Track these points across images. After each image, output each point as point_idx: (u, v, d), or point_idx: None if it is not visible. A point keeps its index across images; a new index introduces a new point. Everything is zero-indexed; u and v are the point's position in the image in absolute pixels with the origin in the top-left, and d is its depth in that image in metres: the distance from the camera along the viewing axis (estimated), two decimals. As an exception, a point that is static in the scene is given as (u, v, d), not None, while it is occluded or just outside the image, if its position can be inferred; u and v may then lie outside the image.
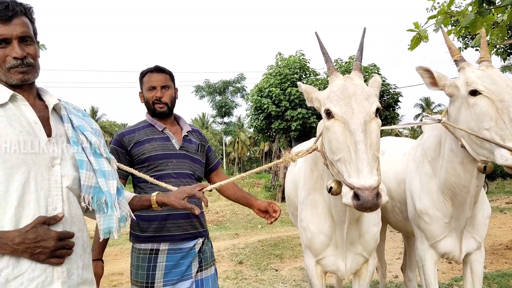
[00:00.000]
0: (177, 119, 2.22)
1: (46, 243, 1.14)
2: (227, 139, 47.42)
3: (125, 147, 2.02)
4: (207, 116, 48.85)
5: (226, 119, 41.52)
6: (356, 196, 1.37)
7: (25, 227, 1.14)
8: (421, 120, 2.25)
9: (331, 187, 1.60)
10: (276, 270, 5.45)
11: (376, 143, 1.49)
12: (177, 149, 2.07)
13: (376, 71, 16.43)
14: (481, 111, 1.76)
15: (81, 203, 1.29)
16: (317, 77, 16.39)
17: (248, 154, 50.78)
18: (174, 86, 2.17)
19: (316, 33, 1.80)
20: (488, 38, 3.91)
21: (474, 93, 1.79)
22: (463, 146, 1.89)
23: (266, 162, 42.36)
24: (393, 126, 2.85)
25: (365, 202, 1.34)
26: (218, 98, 37.51)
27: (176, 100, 2.18)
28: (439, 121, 2.03)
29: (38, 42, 1.37)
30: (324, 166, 1.80)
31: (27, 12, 1.31)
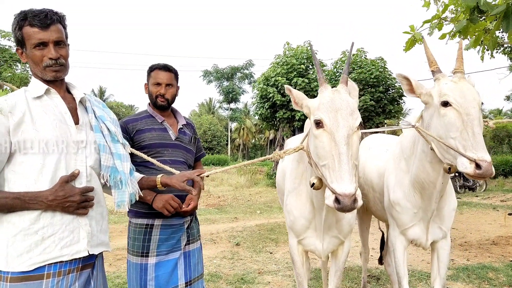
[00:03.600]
0: (174, 112, 2.49)
1: (73, 198, 1.44)
2: (233, 125, 47.64)
3: (128, 133, 2.28)
4: (214, 101, 48.97)
5: (232, 105, 41.59)
6: (337, 200, 1.58)
7: (54, 186, 1.43)
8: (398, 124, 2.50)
9: (313, 183, 1.85)
10: (271, 253, 5.76)
11: (356, 153, 1.73)
12: (173, 139, 2.35)
13: (383, 65, 16.50)
14: (449, 121, 1.97)
15: (100, 180, 1.59)
16: (324, 68, 16.47)
17: (253, 141, 50.93)
18: (177, 84, 2.43)
19: (309, 42, 2.07)
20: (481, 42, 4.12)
21: (445, 104, 1.99)
22: (432, 149, 2.13)
23: (271, 149, 42.55)
24: (370, 130, 3.11)
25: (344, 206, 1.57)
26: (225, 83, 37.50)
27: (176, 97, 2.43)
28: (413, 126, 2.26)
29: (68, 45, 1.65)
30: (308, 164, 2.05)
31: (61, 20, 1.58)
